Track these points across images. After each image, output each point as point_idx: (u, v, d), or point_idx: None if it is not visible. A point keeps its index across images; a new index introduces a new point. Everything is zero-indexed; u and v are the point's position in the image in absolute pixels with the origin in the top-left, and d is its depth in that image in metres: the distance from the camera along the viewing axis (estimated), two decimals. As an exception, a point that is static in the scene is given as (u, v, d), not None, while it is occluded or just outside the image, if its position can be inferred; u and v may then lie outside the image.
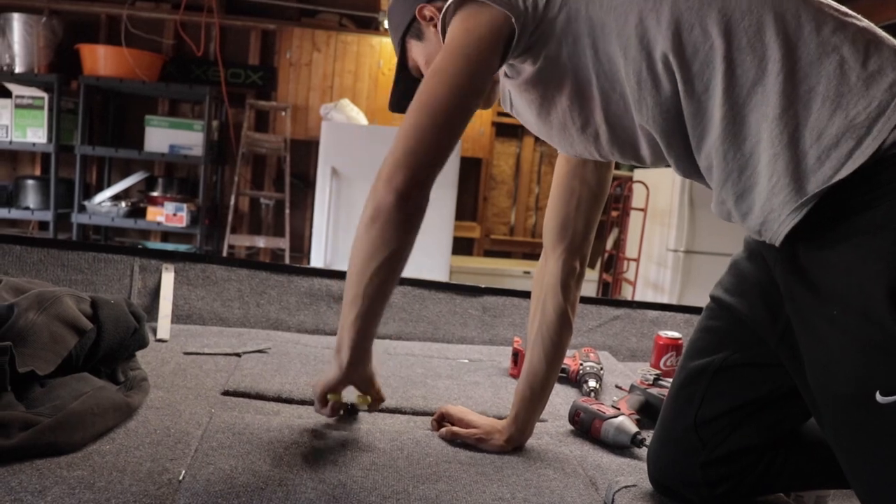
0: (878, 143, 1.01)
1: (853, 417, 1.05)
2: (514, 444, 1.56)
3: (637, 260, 5.43)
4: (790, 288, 1.15)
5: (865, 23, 1.11)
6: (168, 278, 2.27)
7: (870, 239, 1.02)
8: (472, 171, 6.39)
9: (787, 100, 1.06)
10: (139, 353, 1.74)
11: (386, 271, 1.28)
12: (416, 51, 1.44)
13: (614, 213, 5.94)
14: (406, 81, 1.46)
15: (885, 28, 1.12)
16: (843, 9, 1.12)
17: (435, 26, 1.37)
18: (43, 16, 5.51)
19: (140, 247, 5.30)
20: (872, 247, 1.02)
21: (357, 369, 1.42)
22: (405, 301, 2.49)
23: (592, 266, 6.39)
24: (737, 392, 1.31)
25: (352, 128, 5.40)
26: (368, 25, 6.14)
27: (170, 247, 5.85)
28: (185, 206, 5.45)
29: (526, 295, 2.56)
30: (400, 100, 1.44)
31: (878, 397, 1.00)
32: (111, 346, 1.57)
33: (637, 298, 5.27)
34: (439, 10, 1.34)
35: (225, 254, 5.79)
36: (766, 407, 1.30)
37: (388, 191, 1.21)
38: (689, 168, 1.22)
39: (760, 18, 1.09)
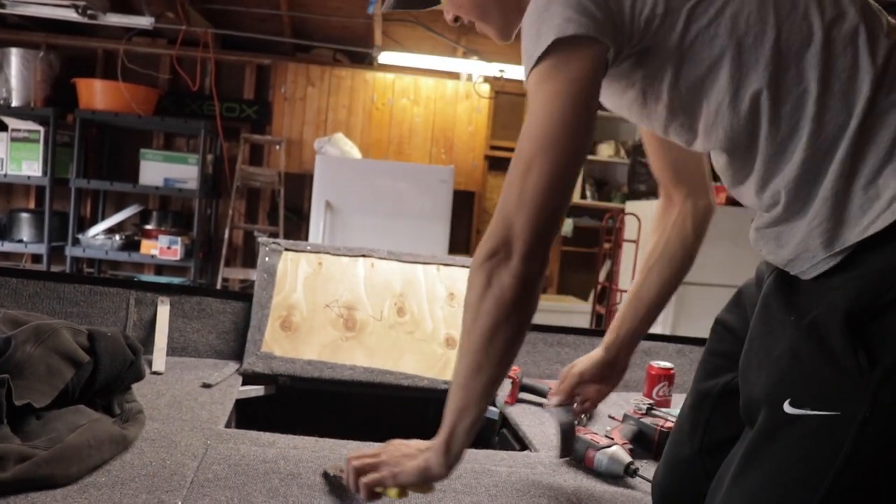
0: None
1: (761, 421, 1.07)
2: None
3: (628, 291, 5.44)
4: (769, 293, 1.17)
5: None
6: (164, 311, 2.28)
7: (862, 274, 1.04)
8: (465, 204, 6.42)
9: (855, 146, 1.06)
10: (135, 386, 1.74)
11: (519, 340, 1.17)
12: None
13: (606, 245, 5.97)
14: None
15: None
16: None
17: None
18: (41, 51, 5.57)
19: (135, 280, 5.30)
20: (859, 278, 1.04)
21: (459, 461, 1.21)
22: (399, 333, 2.50)
23: (585, 298, 6.41)
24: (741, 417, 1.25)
25: (346, 161, 5.44)
26: (362, 60, 6.20)
27: (164, 280, 5.85)
28: (179, 239, 5.47)
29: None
30: None
31: (787, 407, 1.03)
32: (108, 379, 1.58)
33: (630, 330, 5.28)
34: None
35: (219, 286, 5.79)
36: None
37: (526, 265, 1.10)
38: (735, 182, 1.21)
39: (855, 62, 1.07)
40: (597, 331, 2.78)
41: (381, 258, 2.50)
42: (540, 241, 1.10)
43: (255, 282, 2.37)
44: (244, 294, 2.43)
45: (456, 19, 1.38)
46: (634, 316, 1.60)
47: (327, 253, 2.48)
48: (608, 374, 1.64)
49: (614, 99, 1.28)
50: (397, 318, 2.37)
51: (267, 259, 2.41)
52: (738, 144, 1.14)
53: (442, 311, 2.42)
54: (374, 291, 2.41)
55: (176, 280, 5.80)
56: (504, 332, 1.13)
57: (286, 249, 2.46)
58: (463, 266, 2.56)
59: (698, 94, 1.14)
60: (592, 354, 1.64)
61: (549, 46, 1.07)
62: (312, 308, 2.34)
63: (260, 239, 2.49)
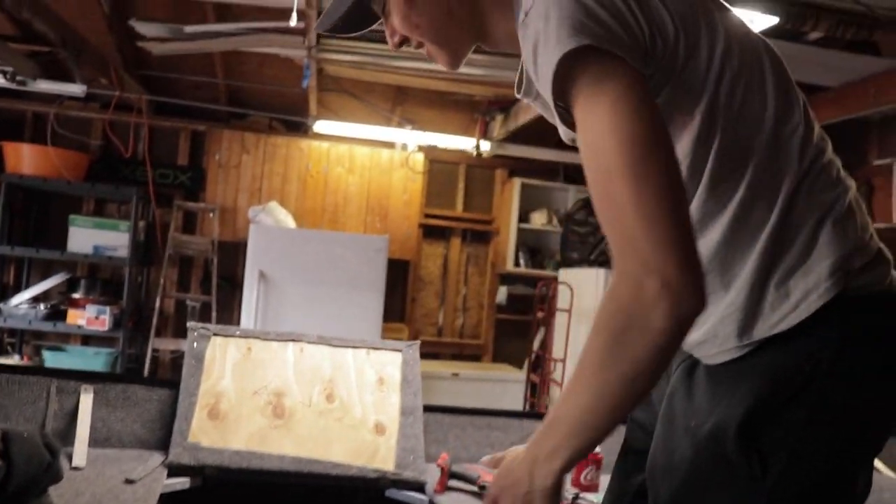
0: (818, 304, 1.07)
1: None
2: None
3: (563, 360, 5.49)
4: (673, 391, 1.22)
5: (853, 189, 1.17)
6: (87, 400, 2.22)
7: (759, 375, 1.09)
8: (399, 272, 6.44)
9: (773, 242, 1.10)
10: (52, 487, 1.69)
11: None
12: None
13: (540, 314, 6.03)
14: (357, 8, 1.28)
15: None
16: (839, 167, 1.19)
17: None
18: (-34, 115, 5.47)
19: (56, 368, 5.17)
20: (755, 379, 1.09)
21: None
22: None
23: (520, 366, 6.44)
24: None
25: (280, 231, 5.42)
26: (298, 128, 6.23)
27: (90, 350, 5.70)
28: (107, 308, 5.34)
29: (451, 411, 2.57)
30: (338, 22, 1.30)
31: None
32: (22, 484, 1.53)
33: (564, 399, 5.32)
34: None
35: (149, 357, 5.66)
36: None
37: (683, 288, 0.95)
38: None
39: (787, 160, 1.12)
40: (528, 413, 2.80)
41: (310, 342, 2.49)
42: (689, 252, 0.97)
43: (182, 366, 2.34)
44: (171, 381, 2.38)
45: (401, 42, 1.30)
46: None
47: (256, 338, 2.47)
48: None
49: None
50: (326, 405, 2.36)
51: (195, 344, 2.38)
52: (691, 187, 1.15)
53: (371, 396, 2.41)
54: (303, 377, 2.39)
55: (104, 350, 5.65)
56: (652, 375, 1.00)
57: (215, 334, 2.43)
58: (393, 350, 2.57)
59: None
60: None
61: (585, 55, 0.98)
62: (241, 395, 2.31)
63: (189, 324, 2.46)
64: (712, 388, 1.15)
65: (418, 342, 2.64)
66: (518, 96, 1.34)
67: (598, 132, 0.98)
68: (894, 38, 3.72)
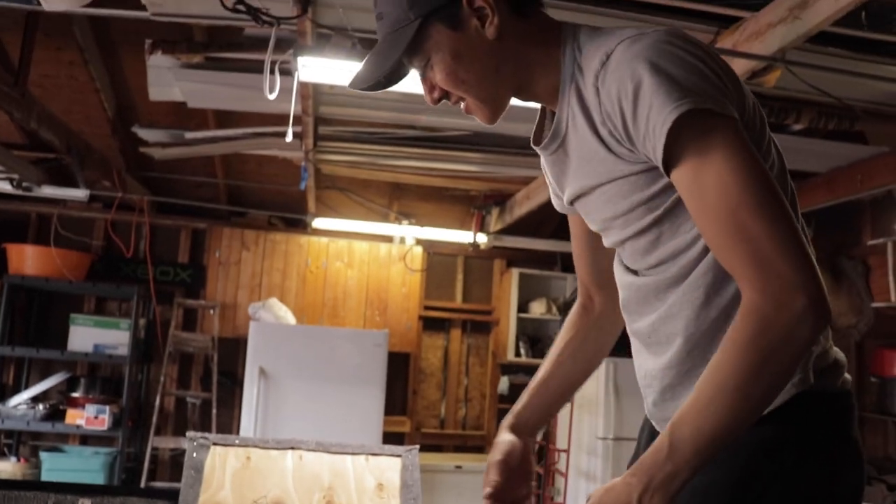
0: (784, 398, 1.17)
1: None
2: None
3: (567, 451, 5.44)
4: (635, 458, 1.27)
5: None
6: (84, 513, 2.21)
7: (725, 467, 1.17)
8: (400, 365, 6.44)
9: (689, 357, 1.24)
10: None
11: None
12: (443, 38, 1.24)
13: (542, 404, 5.98)
14: (398, 64, 1.28)
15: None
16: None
17: (479, 18, 1.24)
18: (-29, 217, 5.56)
19: (54, 482, 5.14)
20: (723, 471, 1.17)
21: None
22: None
23: (523, 457, 6.36)
24: None
25: (280, 327, 5.44)
26: (297, 225, 6.32)
27: (89, 450, 5.64)
28: (107, 407, 5.32)
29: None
30: (381, 78, 1.30)
31: None
32: None
33: (569, 488, 5.26)
34: (489, 4, 1.23)
35: (148, 456, 5.61)
36: None
37: (822, 304, 1.05)
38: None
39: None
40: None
41: (309, 450, 2.49)
42: (818, 271, 1.05)
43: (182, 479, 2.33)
44: (170, 491, 2.38)
45: (441, 98, 1.32)
46: (540, 405, 1.58)
47: (255, 446, 2.46)
48: (526, 465, 1.52)
49: (615, 185, 1.25)
50: (327, 513, 2.34)
51: (195, 455, 2.38)
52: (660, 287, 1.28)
53: (371, 502, 2.40)
54: (302, 485, 2.38)
55: (103, 450, 5.60)
56: (785, 384, 1.09)
57: (214, 444, 2.43)
58: (392, 455, 2.56)
59: (676, 229, 1.23)
60: (507, 443, 1.51)
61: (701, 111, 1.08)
62: (240, 505, 2.30)
63: (188, 434, 2.46)
64: None
65: (417, 447, 2.62)
66: (535, 148, 1.38)
67: (720, 174, 1.07)
68: (879, 127, 3.83)
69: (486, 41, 1.24)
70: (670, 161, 1.11)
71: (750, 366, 1.04)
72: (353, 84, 1.32)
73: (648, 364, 1.36)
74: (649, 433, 1.43)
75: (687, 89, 1.07)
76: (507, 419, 1.56)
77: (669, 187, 1.18)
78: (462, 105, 1.32)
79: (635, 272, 1.34)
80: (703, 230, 1.12)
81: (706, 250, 1.19)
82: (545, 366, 1.60)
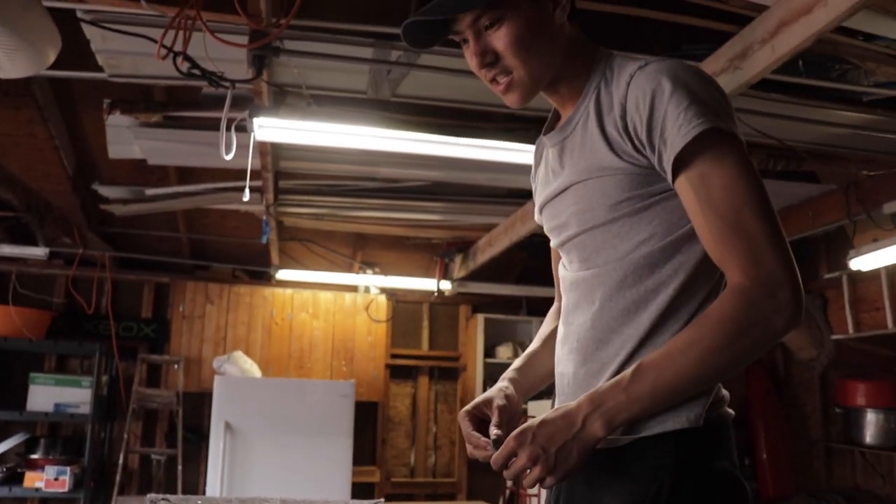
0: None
1: None
2: None
3: (538, 495, 5.44)
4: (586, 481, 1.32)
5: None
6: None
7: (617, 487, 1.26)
8: (368, 414, 6.40)
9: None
10: None
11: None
12: (523, 3, 1.29)
13: (511, 449, 5.98)
14: (475, 4, 1.28)
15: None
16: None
17: (554, 1, 1.32)
18: (-73, 274, 5.48)
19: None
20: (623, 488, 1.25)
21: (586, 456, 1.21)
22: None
23: (495, 502, 6.34)
24: None
25: (245, 381, 5.41)
26: (261, 277, 6.31)
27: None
28: (68, 468, 5.21)
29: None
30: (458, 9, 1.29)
31: None
32: None
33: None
34: None
35: (112, 517, 5.50)
36: None
37: (799, 297, 1.18)
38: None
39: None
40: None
41: (274, 507, 2.47)
42: (799, 276, 1.19)
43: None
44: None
45: (490, 65, 1.33)
46: (531, 374, 1.57)
47: (219, 505, 2.44)
48: (515, 420, 1.45)
49: (595, 182, 1.33)
50: (292, 572, 2.32)
51: (156, 516, 2.36)
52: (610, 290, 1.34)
53: (338, 559, 2.39)
54: (267, 544, 2.36)
55: (64, 512, 5.48)
56: (740, 367, 1.22)
57: (176, 504, 2.41)
58: (359, 509, 2.55)
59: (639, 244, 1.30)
60: (510, 393, 1.46)
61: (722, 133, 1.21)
62: (203, 567, 2.27)
63: (148, 496, 2.43)
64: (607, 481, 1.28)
65: (383, 500, 2.62)
66: (544, 137, 1.48)
67: (730, 177, 1.21)
68: (831, 166, 3.96)
69: (553, 24, 1.33)
70: (682, 162, 1.22)
71: (726, 335, 1.17)
72: (429, 10, 1.28)
73: (569, 369, 1.40)
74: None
75: (709, 107, 1.21)
76: (509, 373, 1.54)
77: (645, 195, 1.29)
78: (499, 81, 1.35)
79: (576, 269, 1.41)
80: (704, 225, 1.22)
81: (642, 259, 1.29)
82: (537, 341, 1.64)
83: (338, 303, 6.40)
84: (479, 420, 1.41)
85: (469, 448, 1.36)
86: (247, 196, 3.03)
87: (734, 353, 1.18)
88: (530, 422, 1.22)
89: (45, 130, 4.40)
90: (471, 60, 1.35)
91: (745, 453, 5.92)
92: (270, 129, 2.93)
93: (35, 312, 5.57)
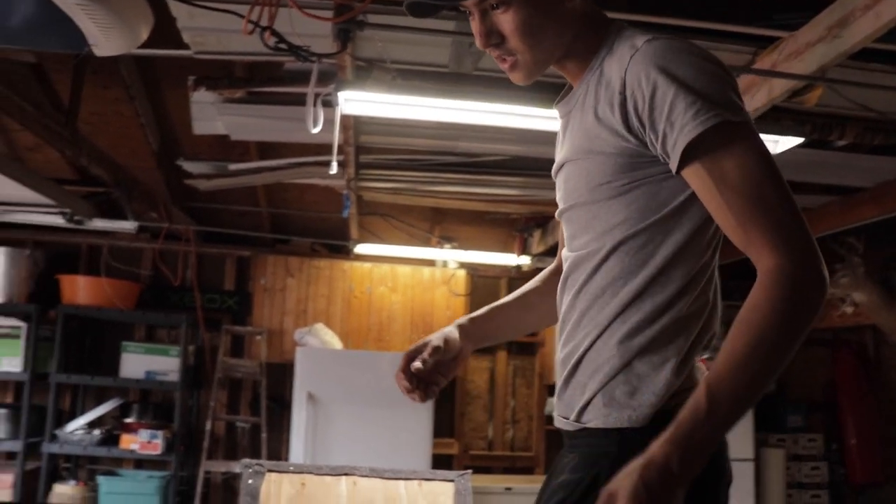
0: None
1: None
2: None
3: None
4: (561, 456, 1.37)
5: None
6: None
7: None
8: (447, 388, 6.37)
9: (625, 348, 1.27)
10: None
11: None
12: None
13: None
14: None
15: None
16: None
17: None
18: (27, 249, 5.70)
19: None
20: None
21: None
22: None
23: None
24: None
25: (326, 352, 5.50)
26: (340, 251, 6.38)
27: (144, 474, 5.73)
28: (160, 433, 5.41)
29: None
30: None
31: None
32: None
33: None
34: None
35: (201, 480, 5.69)
36: None
37: (822, 270, 1.13)
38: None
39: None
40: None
41: (363, 476, 2.53)
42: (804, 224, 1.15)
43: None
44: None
45: (495, 45, 1.33)
46: (493, 324, 1.63)
47: (310, 473, 2.51)
48: (453, 365, 1.57)
49: (597, 154, 1.30)
50: (379, 540, 2.37)
51: (250, 481, 2.43)
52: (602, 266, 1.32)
53: (424, 529, 2.42)
54: (355, 512, 2.42)
55: (156, 474, 5.69)
56: (792, 352, 1.13)
57: (269, 471, 2.48)
58: (445, 480, 2.59)
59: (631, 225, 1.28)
60: (452, 336, 1.55)
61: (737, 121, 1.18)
62: (294, 533, 2.34)
63: (243, 461, 2.51)
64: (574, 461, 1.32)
65: (469, 472, 2.65)
66: (555, 107, 1.46)
67: (749, 154, 1.16)
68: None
69: (563, 6, 1.30)
70: (690, 153, 1.17)
71: (783, 324, 1.09)
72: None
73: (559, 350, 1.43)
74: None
75: (713, 100, 1.17)
76: (462, 319, 1.61)
77: (626, 180, 1.26)
78: (505, 59, 1.35)
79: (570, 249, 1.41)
80: (723, 205, 1.16)
81: (615, 244, 1.28)
82: (512, 296, 1.67)
83: (416, 277, 6.45)
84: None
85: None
86: (334, 169, 3.06)
87: (794, 339, 1.10)
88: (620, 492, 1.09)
89: (132, 108, 4.52)
90: (476, 37, 1.34)
91: (833, 438, 5.77)
92: (356, 102, 2.95)
93: (125, 284, 5.77)
